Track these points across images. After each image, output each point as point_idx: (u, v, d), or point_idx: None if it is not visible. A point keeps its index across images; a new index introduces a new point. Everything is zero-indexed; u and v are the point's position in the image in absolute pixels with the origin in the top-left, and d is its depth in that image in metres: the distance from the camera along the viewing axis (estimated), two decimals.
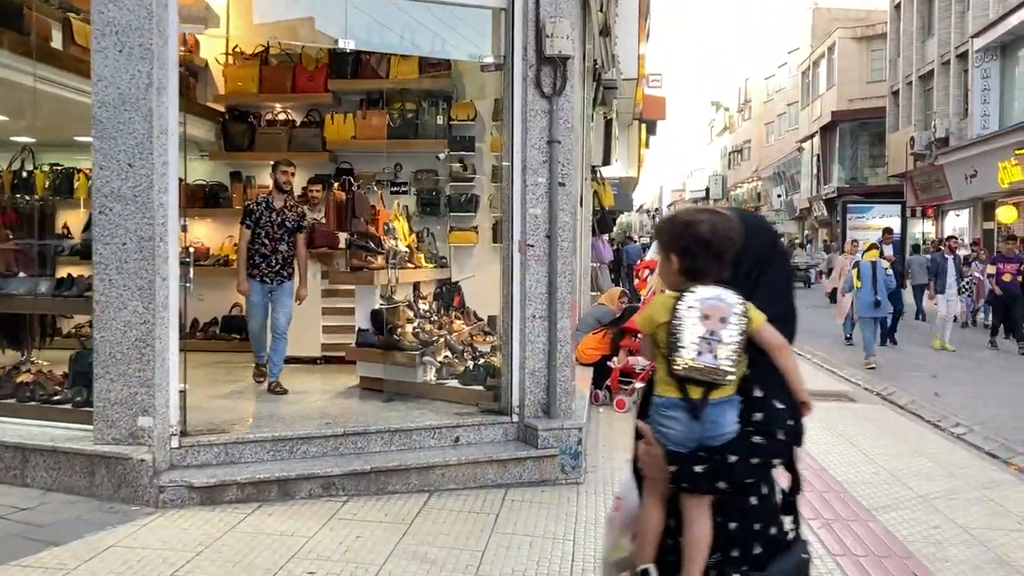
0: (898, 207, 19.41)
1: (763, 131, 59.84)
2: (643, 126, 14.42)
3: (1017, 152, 22.99)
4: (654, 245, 15.56)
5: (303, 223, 7.30)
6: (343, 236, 8.17)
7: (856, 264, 12.53)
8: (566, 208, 5.95)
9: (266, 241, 7.00)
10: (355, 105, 9.95)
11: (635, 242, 32.29)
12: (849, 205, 19.33)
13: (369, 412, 6.05)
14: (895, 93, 33.62)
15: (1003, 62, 25.40)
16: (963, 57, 27.20)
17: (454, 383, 6.64)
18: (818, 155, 43.74)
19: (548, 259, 5.88)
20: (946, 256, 13.67)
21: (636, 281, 14.54)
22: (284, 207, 7.15)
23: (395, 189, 9.34)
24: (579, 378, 8.23)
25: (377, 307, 7.06)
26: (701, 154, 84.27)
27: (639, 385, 8.58)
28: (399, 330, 6.92)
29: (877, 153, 39.92)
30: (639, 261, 16.83)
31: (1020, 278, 13.34)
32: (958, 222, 29.78)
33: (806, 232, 48.59)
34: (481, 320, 9.29)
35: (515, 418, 5.89)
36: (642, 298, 14.38)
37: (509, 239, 5.98)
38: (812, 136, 44.49)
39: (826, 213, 42.64)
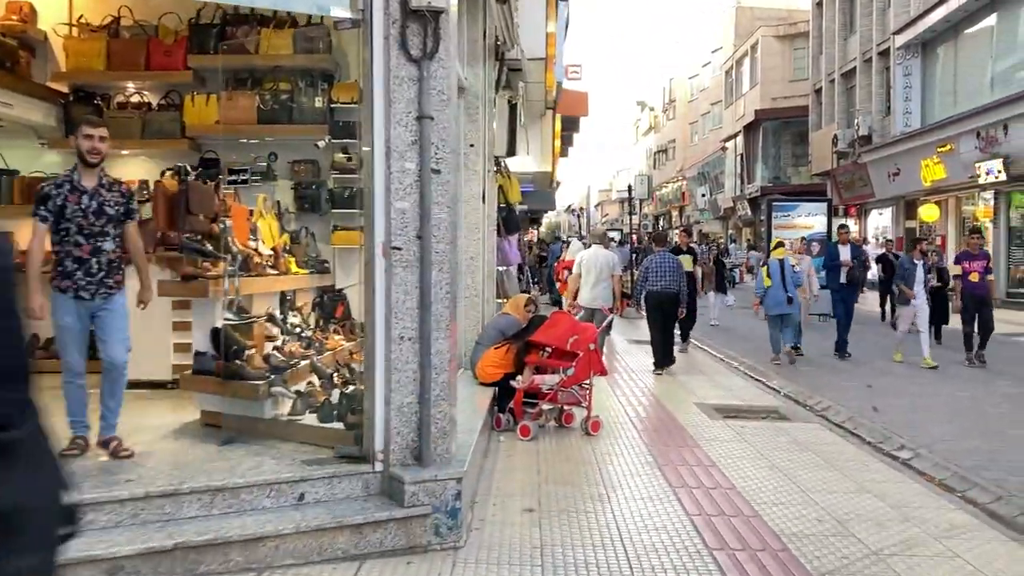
0: (824, 205, 18.78)
1: (687, 130, 59.82)
2: (557, 116, 13.42)
3: (940, 150, 22.75)
4: (573, 243, 14.66)
5: (133, 206, 5.23)
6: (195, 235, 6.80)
7: (765, 263, 12.55)
8: (442, 201, 4.75)
9: (79, 238, 4.90)
10: (221, 85, 8.57)
11: (563, 241, 31.42)
12: (774, 203, 18.64)
13: (192, 462, 4.73)
14: (818, 91, 33.46)
15: (924, 59, 25.23)
16: (885, 54, 27.01)
17: (312, 419, 5.37)
18: (742, 154, 43.61)
19: (419, 265, 4.67)
20: (915, 261, 11.94)
21: (558, 284, 13.49)
22: (100, 187, 4.99)
23: (250, 180, 7.99)
24: (479, 400, 7.08)
25: (221, 324, 5.73)
26: (627, 154, 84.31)
27: (547, 407, 7.45)
28: (245, 353, 5.61)
29: (800, 152, 39.88)
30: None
31: (990, 277, 12.05)
32: (881, 221, 29.69)
33: (730, 232, 48.55)
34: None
35: (378, 467, 4.67)
36: (564, 302, 13.45)
37: (371, 241, 4.76)
38: (736, 135, 44.36)
39: (750, 212, 42.50)
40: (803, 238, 13.14)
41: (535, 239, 36.71)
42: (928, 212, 24.82)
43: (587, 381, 7.47)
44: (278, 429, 5.34)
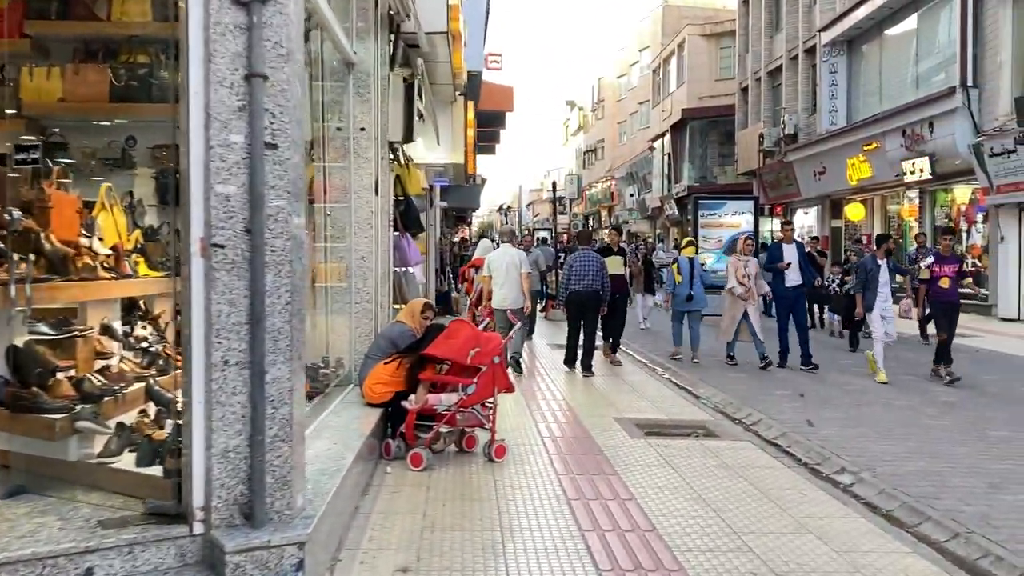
0: (751, 203, 18.22)
1: (616, 130, 59.57)
2: (470, 105, 12.48)
3: (866, 148, 22.54)
4: (482, 242, 13.67)
5: None
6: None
7: (675, 260, 12.78)
8: (280, 185, 3.71)
9: None
10: (67, 56, 7.33)
11: (493, 241, 30.38)
12: (701, 201, 18.01)
13: None
14: (744, 90, 33.24)
15: (850, 57, 25.05)
16: (811, 52, 26.81)
17: (130, 461, 4.26)
18: (669, 154, 43.34)
19: (249, 267, 3.62)
20: (879, 261, 10.61)
21: (464, 285, 12.51)
22: None
23: (94, 166, 6.78)
24: (364, 424, 6.05)
25: (22, 341, 4.57)
26: (558, 153, 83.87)
27: (445, 430, 6.46)
28: (52, 378, 4.46)
29: (726, 152, 39.73)
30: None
31: (967, 281, 11.19)
32: (806, 220, 29.54)
33: (658, 231, 48.25)
34: None
35: (197, 528, 3.61)
36: (469, 304, 12.43)
37: (186, 236, 3.69)
38: (663, 135, 44.07)
39: (677, 212, 42.23)
40: (747, 237, 12.17)
41: (465, 238, 35.71)
42: (854, 211, 24.63)
43: (491, 400, 6.51)
44: (84, 475, 4.21)
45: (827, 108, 25.29)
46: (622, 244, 12.36)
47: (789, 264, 11.41)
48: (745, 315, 11.55)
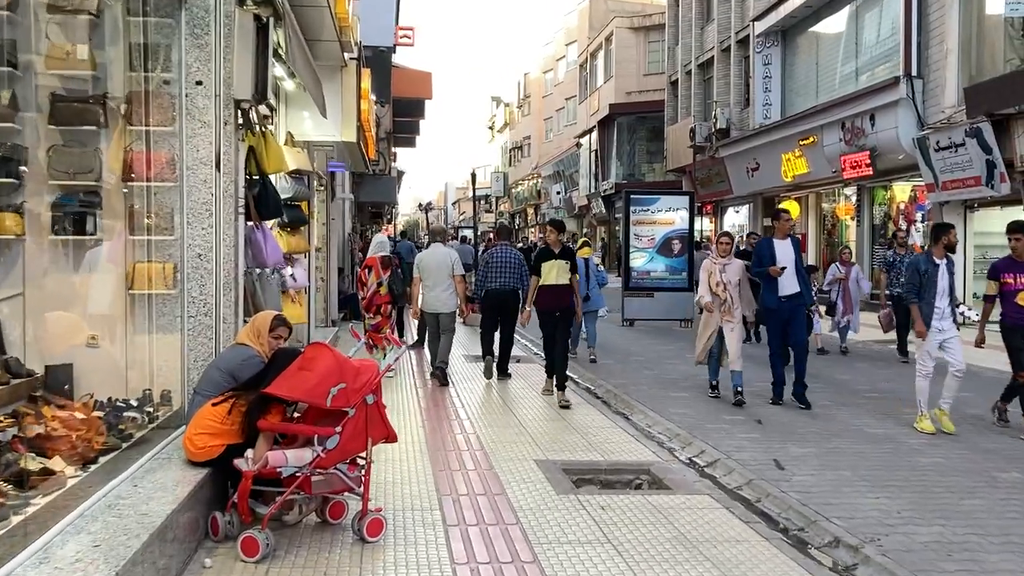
0: (686, 199, 16.76)
1: (543, 127, 58.18)
2: (366, 73, 10.64)
3: (802, 143, 21.41)
4: (376, 239, 11.87)
5: None
6: None
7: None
8: None
9: None
10: None
11: (410, 240, 28.50)
12: (632, 196, 16.45)
13: None
14: (674, 83, 32.06)
15: (785, 48, 23.98)
16: (744, 43, 25.68)
17: None
18: (596, 151, 42.10)
19: None
20: (937, 261, 7.67)
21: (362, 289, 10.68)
22: None
23: None
24: (180, 490, 4.17)
25: None
26: (484, 151, 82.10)
27: (299, 498, 4.62)
28: None
29: (655, 148, 38.65)
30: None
31: None
32: (737, 219, 28.48)
33: (585, 230, 46.97)
34: (33, 374, 5.02)
35: None
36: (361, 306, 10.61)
37: None
38: (590, 131, 42.83)
39: (604, 210, 41.01)
40: (724, 234, 9.52)
41: (390, 235, 33.58)
42: (788, 209, 23.50)
43: (363, 455, 4.69)
44: None
45: (761, 101, 24.17)
46: (567, 244, 10.15)
47: (784, 268, 8.61)
48: (720, 336, 8.85)
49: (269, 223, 6.95)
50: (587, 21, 45.59)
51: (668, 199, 16.81)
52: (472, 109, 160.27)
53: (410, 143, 32.36)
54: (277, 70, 7.32)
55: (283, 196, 7.83)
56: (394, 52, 19.03)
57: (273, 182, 6.57)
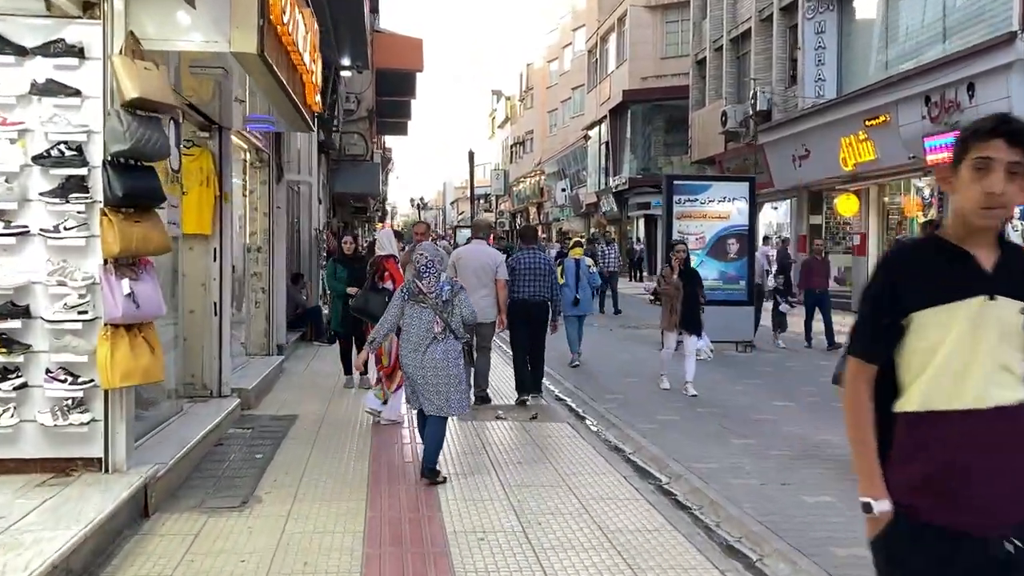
0: (745, 186, 13.05)
1: (546, 120, 54.49)
2: None
3: (870, 123, 17.68)
4: (381, 235, 8.62)
5: None
6: None
7: (561, 262, 11.58)
8: None
9: None
10: None
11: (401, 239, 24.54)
12: (677, 183, 12.73)
13: None
14: (700, 62, 28.33)
15: (841, 12, 20.25)
16: (789, 10, 21.93)
17: None
18: (607, 143, 38.40)
19: None
20: None
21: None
22: None
23: None
24: None
25: None
26: (484, 148, 78.32)
27: None
28: None
29: (674, 140, 34.97)
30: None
31: None
32: (775, 216, 24.77)
33: (592, 230, 43.14)
34: None
35: None
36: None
37: None
38: (600, 121, 39.14)
39: (615, 208, 37.31)
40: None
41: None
42: (847, 204, 19.84)
43: None
44: None
45: (811, 77, 20.46)
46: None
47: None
48: None
49: None
50: (596, 2, 41.83)
51: (722, 186, 13.09)
52: (471, 106, 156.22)
53: (401, 130, 28.56)
54: None
55: (115, 149, 4.18)
56: None
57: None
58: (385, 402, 7.20)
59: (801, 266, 13.68)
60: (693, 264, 12.77)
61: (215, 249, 7.31)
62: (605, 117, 37.92)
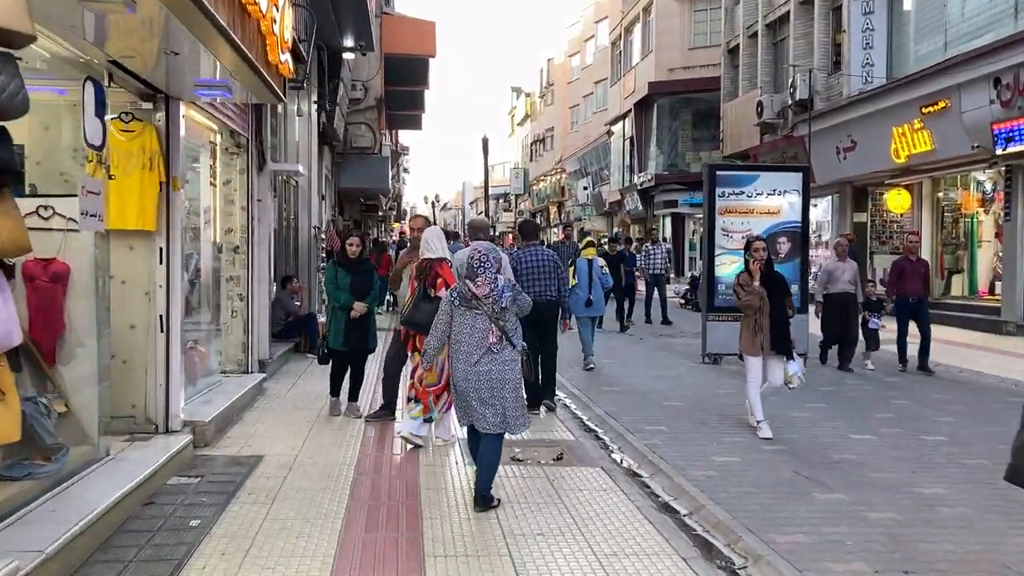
0: (798, 177, 11.46)
1: (568, 116, 52.91)
2: None
3: (927, 110, 16.01)
4: (429, 234, 7.11)
5: None
6: None
7: (573, 262, 10.68)
8: None
9: None
10: None
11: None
12: (720, 174, 11.18)
13: None
14: (733, 50, 26.67)
15: None
16: None
17: None
18: (631, 138, 36.77)
19: None
20: None
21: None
22: None
23: None
24: None
25: None
26: (503, 147, 76.79)
27: None
28: None
29: (701, 135, 33.37)
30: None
31: None
32: (816, 214, 23.04)
33: (616, 229, 41.53)
34: None
35: None
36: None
37: None
38: (624, 116, 37.53)
39: (640, 206, 35.67)
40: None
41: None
42: (897, 200, 18.19)
43: None
44: None
45: (859, 61, 18.77)
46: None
47: None
48: None
49: None
50: None
51: (772, 177, 11.48)
52: (490, 105, 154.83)
53: (414, 124, 27.14)
54: None
55: None
56: None
57: None
58: (428, 420, 6.12)
59: (891, 268, 11.41)
60: (737, 268, 11.29)
61: (161, 249, 5.87)
62: (629, 111, 36.33)
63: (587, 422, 7.47)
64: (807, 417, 7.78)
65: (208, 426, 6.22)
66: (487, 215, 36.57)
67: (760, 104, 22.60)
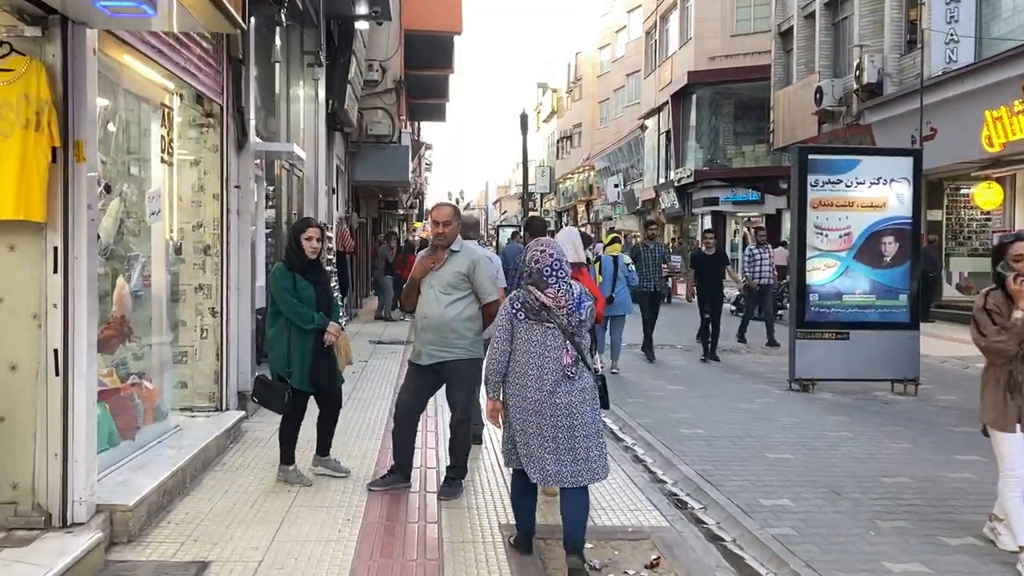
0: (908, 162, 9.38)
1: (596, 112, 50.76)
2: None
3: None
4: (564, 235, 5.17)
5: None
6: None
7: (598, 259, 10.01)
8: None
9: None
10: None
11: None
12: (812, 159, 9.07)
13: None
14: (785, 33, 24.46)
15: None
16: None
17: None
18: (667, 131, 34.60)
19: None
20: None
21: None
22: None
23: None
24: None
25: None
26: (529, 144, 74.81)
27: None
28: None
29: (744, 128, 31.25)
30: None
31: None
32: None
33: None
34: None
35: None
36: None
37: None
38: (659, 109, 35.37)
39: (677, 204, 33.50)
40: None
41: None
42: (987, 194, 15.97)
43: None
44: None
45: (941, 39, 16.57)
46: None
47: None
48: None
49: None
50: None
51: (876, 162, 9.38)
52: (520, 105, 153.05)
53: (438, 115, 25.19)
54: None
55: None
56: None
57: None
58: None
59: None
60: (832, 274, 9.23)
61: (56, 249, 3.90)
62: (666, 104, 34.19)
63: (676, 490, 5.42)
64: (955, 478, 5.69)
65: (135, 510, 4.25)
66: (524, 207, 34.32)
67: (819, 90, 20.43)
